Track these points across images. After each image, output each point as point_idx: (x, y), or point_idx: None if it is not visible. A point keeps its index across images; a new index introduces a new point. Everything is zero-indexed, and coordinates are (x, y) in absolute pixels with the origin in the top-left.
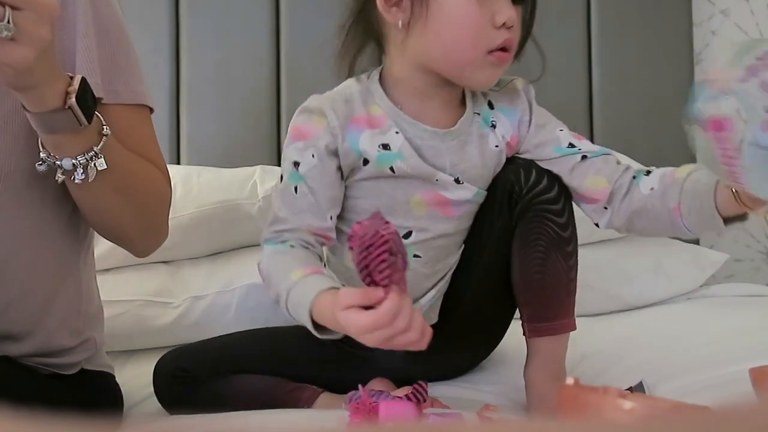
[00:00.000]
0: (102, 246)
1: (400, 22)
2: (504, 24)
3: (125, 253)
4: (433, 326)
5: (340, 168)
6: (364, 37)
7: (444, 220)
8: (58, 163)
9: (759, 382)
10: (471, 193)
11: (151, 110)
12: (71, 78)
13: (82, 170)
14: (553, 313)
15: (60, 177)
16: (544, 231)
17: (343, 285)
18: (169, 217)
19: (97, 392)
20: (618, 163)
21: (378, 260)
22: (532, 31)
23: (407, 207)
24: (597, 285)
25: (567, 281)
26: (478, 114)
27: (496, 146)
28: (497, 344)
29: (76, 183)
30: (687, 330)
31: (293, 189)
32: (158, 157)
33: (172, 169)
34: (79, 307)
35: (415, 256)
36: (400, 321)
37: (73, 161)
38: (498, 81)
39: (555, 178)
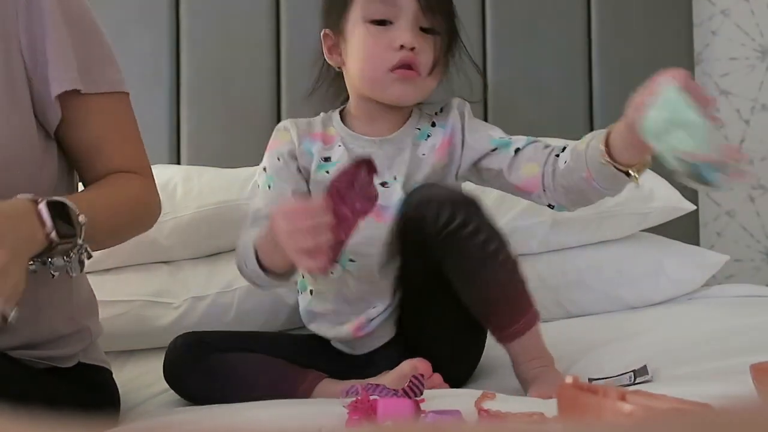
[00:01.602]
0: None
1: (337, 65)
2: (403, 46)
3: (125, 252)
4: (395, 337)
5: (299, 169)
6: (339, 84)
7: (376, 227)
8: (49, 260)
9: (759, 378)
10: (398, 197)
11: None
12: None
13: (72, 266)
14: (516, 314)
15: (55, 274)
16: (470, 257)
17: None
18: (170, 217)
19: (94, 388)
20: (545, 147)
21: (339, 174)
22: (451, 54)
23: None
24: (597, 286)
25: (515, 282)
26: (419, 129)
27: (423, 155)
28: (479, 352)
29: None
30: (687, 330)
31: (267, 187)
32: (138, 150)
33: (172, 169)
34: (70, 294)
35: (351, 260)
36: (306, 219)
37: (64, 259)
38: (443, 106)
39: (453, 202)
